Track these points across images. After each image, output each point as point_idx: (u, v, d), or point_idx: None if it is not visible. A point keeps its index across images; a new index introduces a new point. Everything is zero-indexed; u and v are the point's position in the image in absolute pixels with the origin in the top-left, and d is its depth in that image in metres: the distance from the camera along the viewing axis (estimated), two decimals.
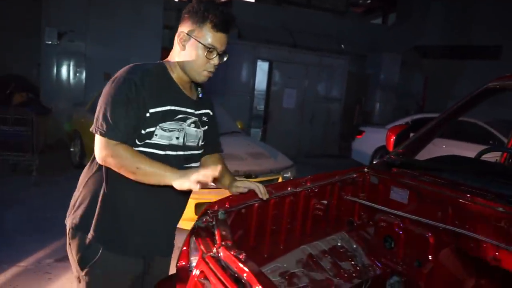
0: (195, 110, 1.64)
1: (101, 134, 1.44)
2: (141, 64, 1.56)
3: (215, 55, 1.52)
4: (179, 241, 1.79)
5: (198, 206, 4.20)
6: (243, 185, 1.75)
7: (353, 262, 2.02)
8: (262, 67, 9.81)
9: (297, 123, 10.00)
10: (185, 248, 1.70)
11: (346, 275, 1.93)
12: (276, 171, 4.93)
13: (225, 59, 1.58)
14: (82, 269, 1.59)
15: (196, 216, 4.19)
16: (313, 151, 10.03)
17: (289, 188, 1.96)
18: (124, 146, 1.45)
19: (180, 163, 1.59)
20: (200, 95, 1.69)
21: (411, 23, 12.19)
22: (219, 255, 1.40)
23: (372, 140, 8.66)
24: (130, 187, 1.53)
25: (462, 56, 14.48)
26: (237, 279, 1.27)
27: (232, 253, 1.36)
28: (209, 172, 1.38)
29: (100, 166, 1.56)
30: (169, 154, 1.56)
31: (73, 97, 8.15)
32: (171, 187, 1.56)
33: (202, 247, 1.49)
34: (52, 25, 7.88)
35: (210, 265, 1.35)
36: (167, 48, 8.97)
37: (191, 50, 1.52)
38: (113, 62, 8.59)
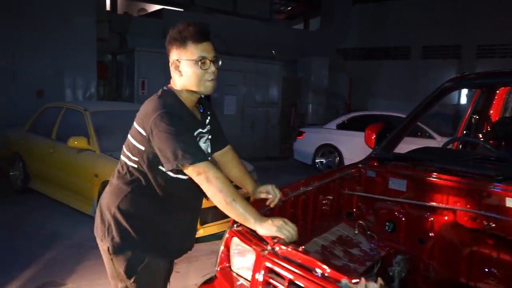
0: (203, 128, 1.80)
1: (192, 164, 1.55)
2: (161, 100, 1.65)
3: (208, 63, 1.66)
4: None
5: None
6: (265, 190, 1.92)
7: (360, 248, 2.27)
8: None
9: (238, 129, 10.23)
10: (224, 249, 1.82)
11: (359, 260, 2.16)
12: None
13: (220, 63, 1.72)
14: (130, 277, 1.74)
15: None
16: (256, 155, 10.30)
17: (301, 188, 2.16)
18: (220, 172, 1.60)
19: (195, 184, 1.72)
20: (201, 110, 1.84)
21: (334, 28, 13.03)
22: (276, 250, 1.55)
23: (312, 140, 9.15)
24: (173, 206, 1.77)
25: (379, 56, 15.81)
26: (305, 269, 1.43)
27: (290, 247, 1.52)
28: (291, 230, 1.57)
29: (137, 188, 1.71)
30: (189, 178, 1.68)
31: (3, 118, 7.58)
32: (200, 199, 1.85)
33: (254, 246, 1.63)
34: None
35: (275, 260, 1.49)
36: (102, 61, 8.65)
37: (187, 70, 1.66)
38: (46, 78, 8.19)
